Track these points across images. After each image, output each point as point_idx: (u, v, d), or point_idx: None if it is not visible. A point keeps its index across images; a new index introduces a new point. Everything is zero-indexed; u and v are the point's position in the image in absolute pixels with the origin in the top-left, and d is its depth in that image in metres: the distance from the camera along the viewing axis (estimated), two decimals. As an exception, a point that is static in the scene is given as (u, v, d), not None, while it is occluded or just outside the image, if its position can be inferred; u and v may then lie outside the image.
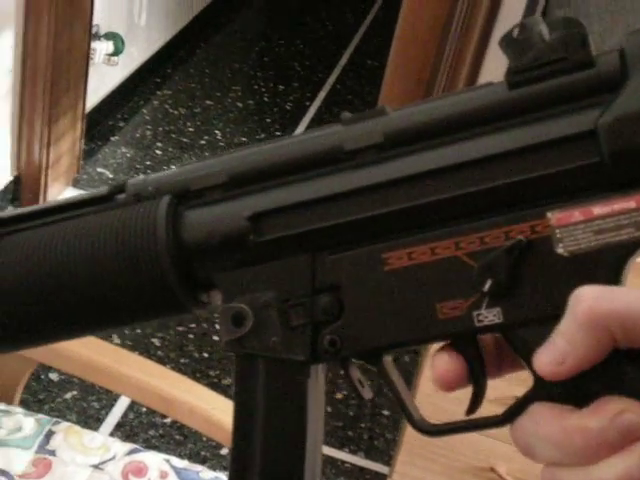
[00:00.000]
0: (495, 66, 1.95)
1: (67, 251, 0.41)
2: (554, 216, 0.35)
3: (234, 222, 0.39)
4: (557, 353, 0.33)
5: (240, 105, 3.19)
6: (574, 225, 0.35)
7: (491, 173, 0.36)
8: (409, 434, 1.59)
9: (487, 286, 0.36)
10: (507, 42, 0.37)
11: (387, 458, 1.86)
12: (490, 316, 0.36)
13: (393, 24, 2.05)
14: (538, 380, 0.35)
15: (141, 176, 0.43)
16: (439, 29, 1.92)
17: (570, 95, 0.36)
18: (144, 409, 1.86)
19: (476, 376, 0.38)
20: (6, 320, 0.42)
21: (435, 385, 0.38)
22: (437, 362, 0.38)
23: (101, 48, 2.51)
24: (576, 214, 0.35)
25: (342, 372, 0.40)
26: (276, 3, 4.20)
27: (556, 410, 0.34)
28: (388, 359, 0.39)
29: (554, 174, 0.35)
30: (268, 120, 3.13)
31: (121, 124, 2.89)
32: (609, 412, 0.33)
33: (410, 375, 1.84)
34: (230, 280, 0.40)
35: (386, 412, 2.00)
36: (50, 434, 1.13)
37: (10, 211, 0.44)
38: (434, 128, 0.38)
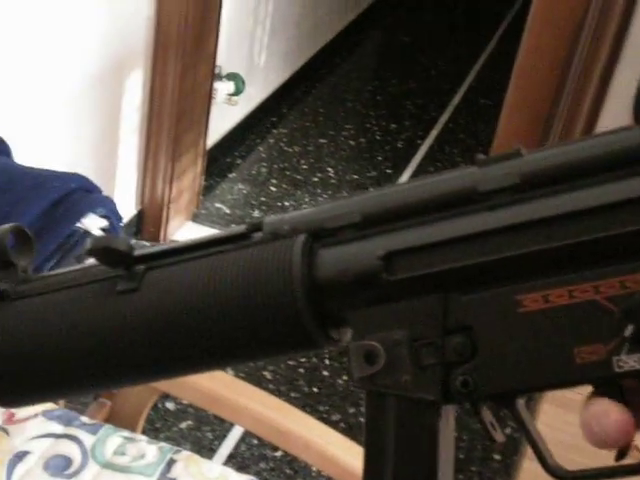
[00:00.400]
0: (617, 106, 1.91)
1: (206, 287, 0.42)
2: None
3: (367, 261, 0.40)
4: None
5: (352, 143, 3.22)
6: None
7: (632, 216, 0.35)
8: (523, 480, 1.55)
9: (628, 331, 0.35)
10: None
11: (499, 503, 1.82)
12: (631, 362, 0.35)
13: (508, 63, 2.04)
14: None
15: (278, 215, 0.44)
16: (559, 67, 1.90)
17: None
18: (255, 441, 1.88)
19: None
20: (138, 351, 0.44)
21: (599, 442, 0.36)
22: (601, 409, 0.36)
23: (222, 88, 2.60)
24: None
25: (475, 414, 0.39)
26: (389, 43, 4.25)
27: None
28: (521, 402, 0.39)
29: None
30: (380, 158, 3.15)
31: (238, 161, 2.97)
32: None
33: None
34: (362, 317, 0.40)
35: (497, 456, 1.96)
36: (171, 462, 1.16)
37: (155, 246, 0.46)
38: (572, 170, 0.37)
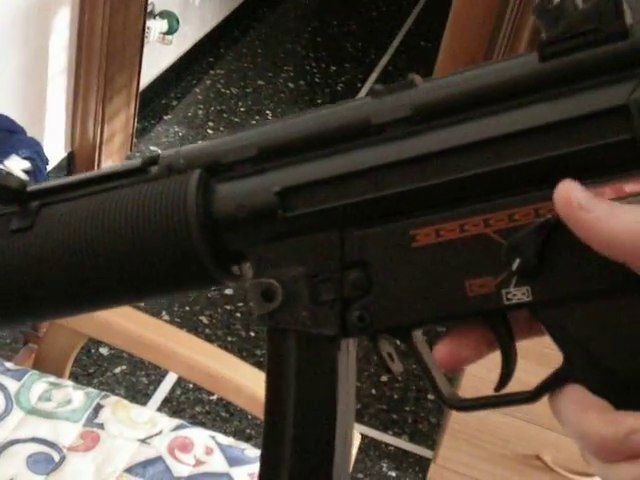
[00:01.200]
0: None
1: (101, 223, 0.42)
2: None
3: (263, 196, 0.40)
4: (586, 198, 0.33)
5: (291, 85, 3.18)
6: None
7: (522, 149, 0.35)
8: (454, 419, 1.58)
9: (515, 265, 0.35)
10: (540, 11, 0.36)
11: (431, 442, 1.86)
12: (519, 294, 0.36)
13: (447, 6, 2.02)
14: (567, 358, 0.35)
15: (174, 148, 0.43)
16: (495, 10, 1.89)
17: (602, 68, 0.35)
18: (191, 385, 1.88)
19: (506, 354, 0.38)
20: (36, 289, 0.43)
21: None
22: (440, 349, 0.39)
23: (156, 27, 2.52)
24: (607, 192, 0.34)
25: (372, 346, 0.40)
26: (330, -17, 4.18)
27: (583, 402, 0.34)
28: (418, 334, 0.39)
29: (584, 150, 0.34)
30: (319, 101, 3.12)
31: (174, 103, 2.91)
32: (626, 427, 0.32)
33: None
34: (260, 254, 0.40)
35: (431, 396, 1.99)
36: (99, 408, 1.15)
37: (47, 182, 0.45)
38: (464, 101, 0.37)
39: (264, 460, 0.41)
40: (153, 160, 0.43)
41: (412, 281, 0.37)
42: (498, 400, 0.38)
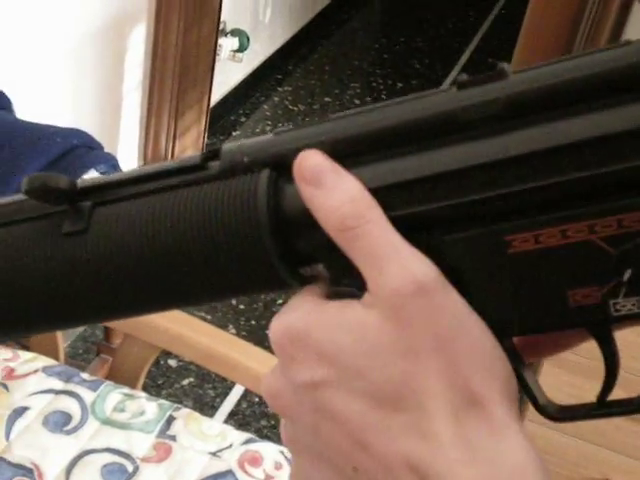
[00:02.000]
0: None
1: (164, 227, 0.39)
2: None
3: None
4: None
5: (358, 102, 3.19)
6: None
7: (631, 149, 0.32)
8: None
9: (627, 275, 0.33)
10: None
11: (497, 463, 1.83)
12: (629, 305, 0.33)
13: (516, 22, 2.01)
14: None
15: (236, 142, 0.40)
16: (568, 25, 1.87)
17: None
18: (257, 399, 1.89)
19: (609, 362, 0.36)
20: (90, 295, 0.40)
21: None
22: None
23: (227, 44, 2.57)
24: None
25: None
26: (397, 0, 4.19)
27: None
28: (511, 341, 0.37)
29: None
30: (386, 117, 3.12)
31: (242, 119, 2.95)
32: None
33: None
34: (338, 260, 0.36)
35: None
36: (171, 419, 1.17)
37: (98, 178, 0.41)
38: (564, 94, 0.33)
39: None
40: (214, 153, 0.40)
41: (507, 289, 0.35)
42: (602, 410, 0.36)
